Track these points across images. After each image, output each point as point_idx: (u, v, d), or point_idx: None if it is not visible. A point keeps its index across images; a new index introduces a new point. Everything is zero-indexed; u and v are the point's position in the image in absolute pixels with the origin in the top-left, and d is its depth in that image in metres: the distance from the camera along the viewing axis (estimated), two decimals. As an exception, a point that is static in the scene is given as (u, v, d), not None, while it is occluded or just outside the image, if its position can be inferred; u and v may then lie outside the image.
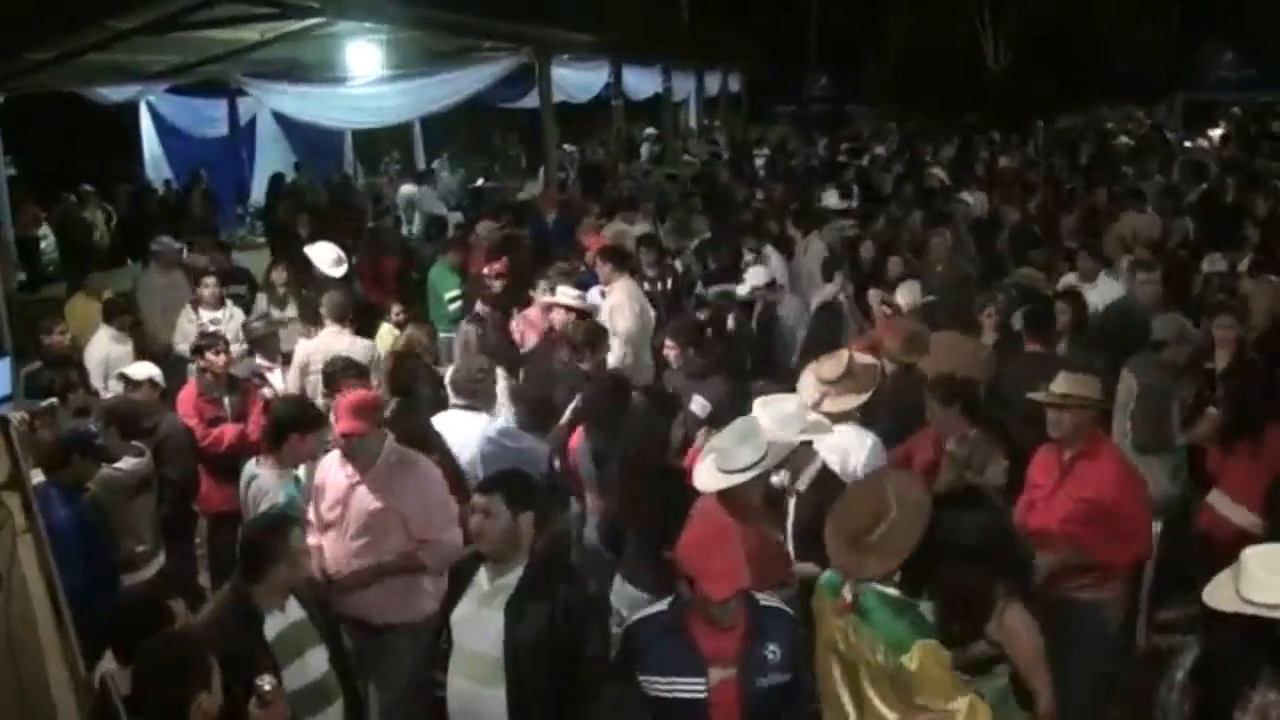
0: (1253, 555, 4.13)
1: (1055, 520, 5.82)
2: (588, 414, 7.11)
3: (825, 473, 5.84)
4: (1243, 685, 4.04)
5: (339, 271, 10.91)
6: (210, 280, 10.47)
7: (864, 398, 6.62)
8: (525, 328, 9.61)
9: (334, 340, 8.73)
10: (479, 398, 7.20)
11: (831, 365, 6.75)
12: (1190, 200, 13.92)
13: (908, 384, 7.22)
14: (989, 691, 4.43)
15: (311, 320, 9.54)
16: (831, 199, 15.65)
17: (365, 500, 5.85)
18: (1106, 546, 5.74)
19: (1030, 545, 5.52)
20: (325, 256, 11.05)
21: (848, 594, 4.53)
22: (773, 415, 5.79)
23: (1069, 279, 9.91)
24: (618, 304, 9.55)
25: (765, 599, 4.47)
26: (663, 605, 4.46)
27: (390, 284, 12.39)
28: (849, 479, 5.92)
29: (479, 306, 9.69)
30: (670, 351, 8.24)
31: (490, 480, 5.01)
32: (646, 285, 10.72)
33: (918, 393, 6.72)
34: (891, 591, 4.47)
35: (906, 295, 9.35)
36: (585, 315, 9.08)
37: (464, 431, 7.00)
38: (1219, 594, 4.10)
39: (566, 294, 9.25)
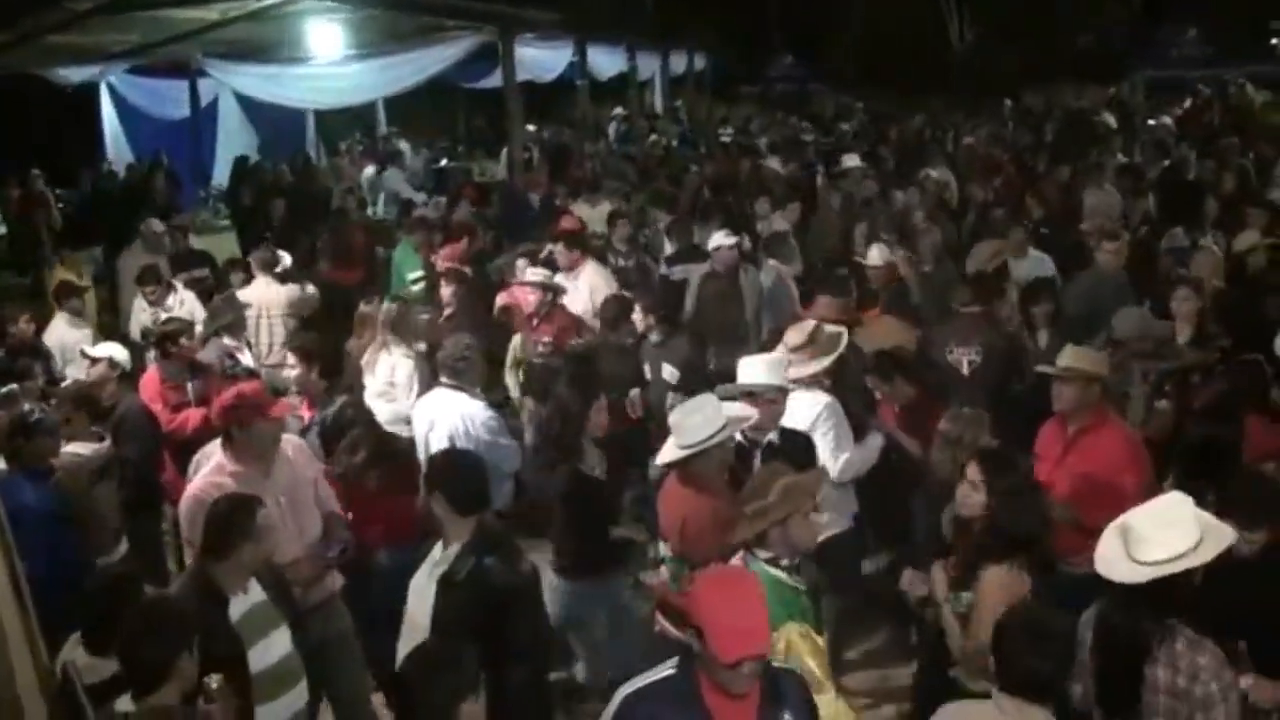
0: (1137, 516, 4.24)
1: (1057, 494, 5.86)
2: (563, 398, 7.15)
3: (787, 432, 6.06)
4: (1150, 641, 4.11)
5: (280, 267, 10.78)
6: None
7: (826, 363, 6.74)
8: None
9: (265, 290, 9.98)
10: (464, 377, 7.21)
11: (795, 333, 6.90)
12: (1151, 178, 13.99)
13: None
14: None
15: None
16: (852, 160, 15.73)
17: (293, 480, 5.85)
18: (1100, 516, 5.78)
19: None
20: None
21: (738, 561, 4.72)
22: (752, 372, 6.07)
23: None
24: (596, 286, 9.53)
25: (776, 660, 4.01)
26: (664, 670, 3.82)
27: (357, 264, 12.36)
28: None
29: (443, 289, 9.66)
30: (642, 322, 8.34)
31: (435, 476, 5.11)
32: (621, 261, 10.74)
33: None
34: (779, 573, 4.55)
35: (877, 255, 9.63)
36: (555, 292, 9.09)
37: (453, 411, 7.05)
38: (1117, 567, 4.16)
39: (533, 273, 9.23)
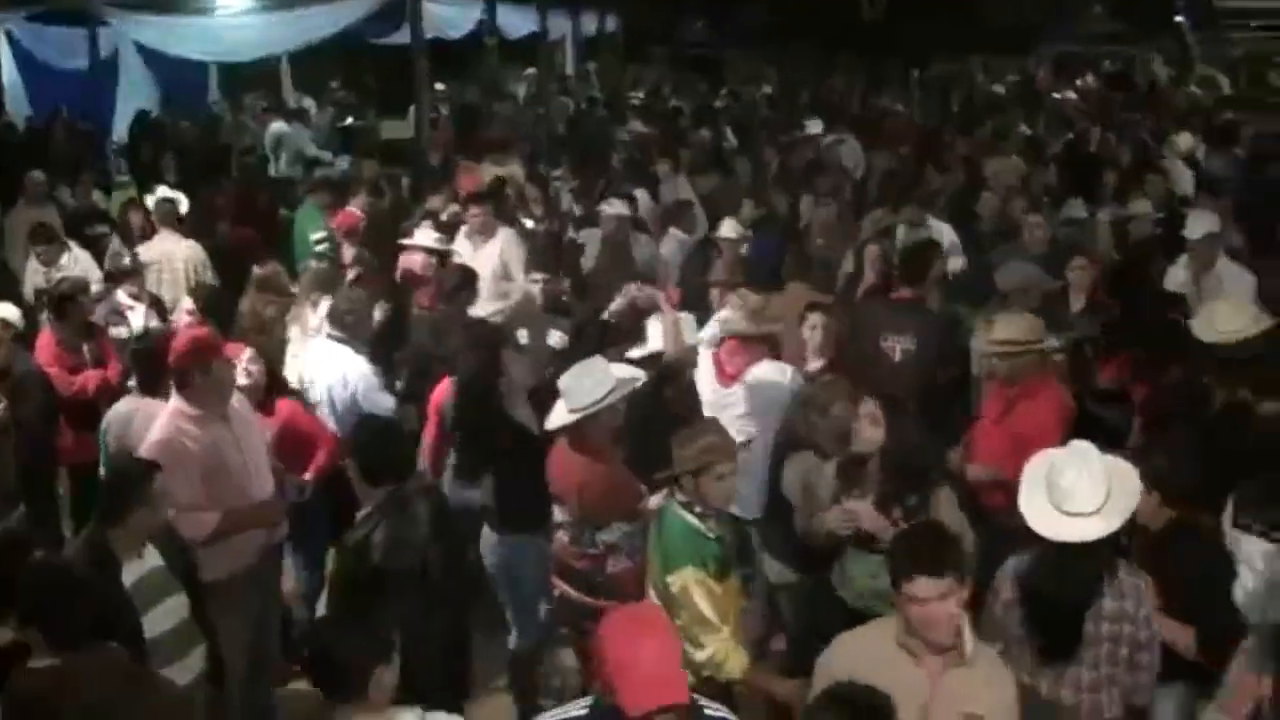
0: (1061, 470, 4.36)
1: (995, 454, 6.07)
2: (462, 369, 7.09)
3: None
4: (1090, 594, 4.26)
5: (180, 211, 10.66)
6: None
7: (778, 326, 7.01)
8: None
9: (168, 244, 10.02)
10: (350, 331, 7.18)
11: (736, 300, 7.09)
12: (1054, 150, 14.23)
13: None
14: None
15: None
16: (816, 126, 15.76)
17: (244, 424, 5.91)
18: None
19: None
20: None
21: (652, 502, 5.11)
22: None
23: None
24: (515, 253, 9.44)
25: (710, 708, 3.71)
26: (574, 711, 3.58)
27: (259, 222, 12.17)
28: None
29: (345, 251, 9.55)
30: (533, 283, 8.32)
31: (349, 444, 5.25)
32: (531, 224, 10.69)
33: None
34: (690, 518, 4.79)
35: (730, 230, 9.65)
36: (447, 258, 9.02)
37: (333, 364, 7.05)
38: (1055, 525, 4.32)
39: (423, 236, 9.15)
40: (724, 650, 4.72)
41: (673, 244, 10.50)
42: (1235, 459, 5.47)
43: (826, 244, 9.98)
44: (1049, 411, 6.22)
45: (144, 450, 5.47)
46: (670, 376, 6.59)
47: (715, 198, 12.07)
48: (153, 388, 6.33)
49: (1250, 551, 5.12)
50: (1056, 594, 4.39)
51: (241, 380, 6.36)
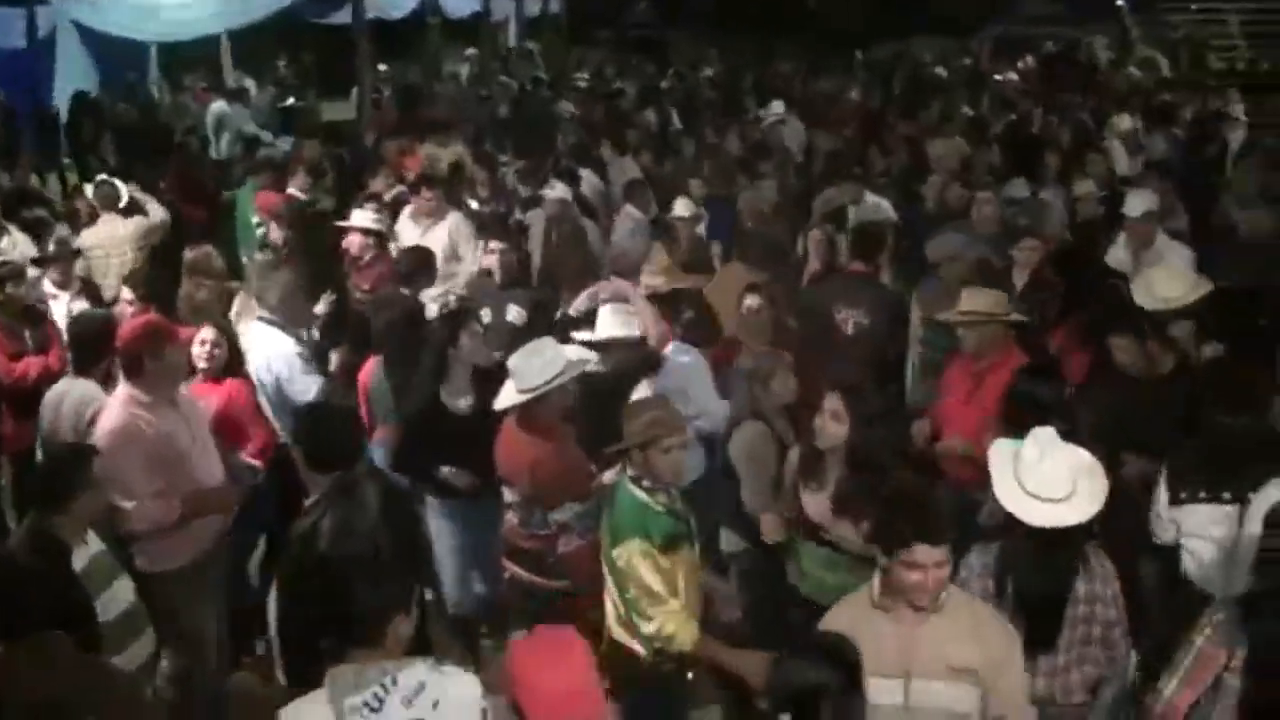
0: (1030, 458, 4.40)
1: (967, 427, 6.12)
2: (383, 343, 7.05)
3: None
4: (1069, 582, 4.31)
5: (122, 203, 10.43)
6: None
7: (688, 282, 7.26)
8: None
9: (111, 228, 9.87)
10: (279, 312, 7.13)
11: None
12: (996, 131, 14.33)
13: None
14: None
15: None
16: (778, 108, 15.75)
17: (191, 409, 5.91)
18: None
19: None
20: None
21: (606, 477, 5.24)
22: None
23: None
24: (465, 234, 9.36)
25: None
26: None
27: (201, 204, 12.03)
28: None
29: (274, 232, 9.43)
30: (490, 258, 8.34)
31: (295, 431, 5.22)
32: (476, 205, 10.62)
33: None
34: (639, 492, 4.84)
35: (684, 208, 9.71)
36: (381, 239, 8.97)
37: (261, 344, 7.00)
38: (1034, 511, 4.35)
39: (360, 218, 9.07)
40: (672, 623, 4.74)
41: (628, 223, 10.48)
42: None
43: (756, 225, 10.01)
44: None
45: (100, 439, 5.40)
46: (656, 365, 6.63)
47: (664, 179, 12.04)
48: (87, 369, 6.24)
49: (1199, 522, 5.21)
50: (1039, 585, 4.43)
51: (201, 363, 6.40)
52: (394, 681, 3.36)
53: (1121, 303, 6.95)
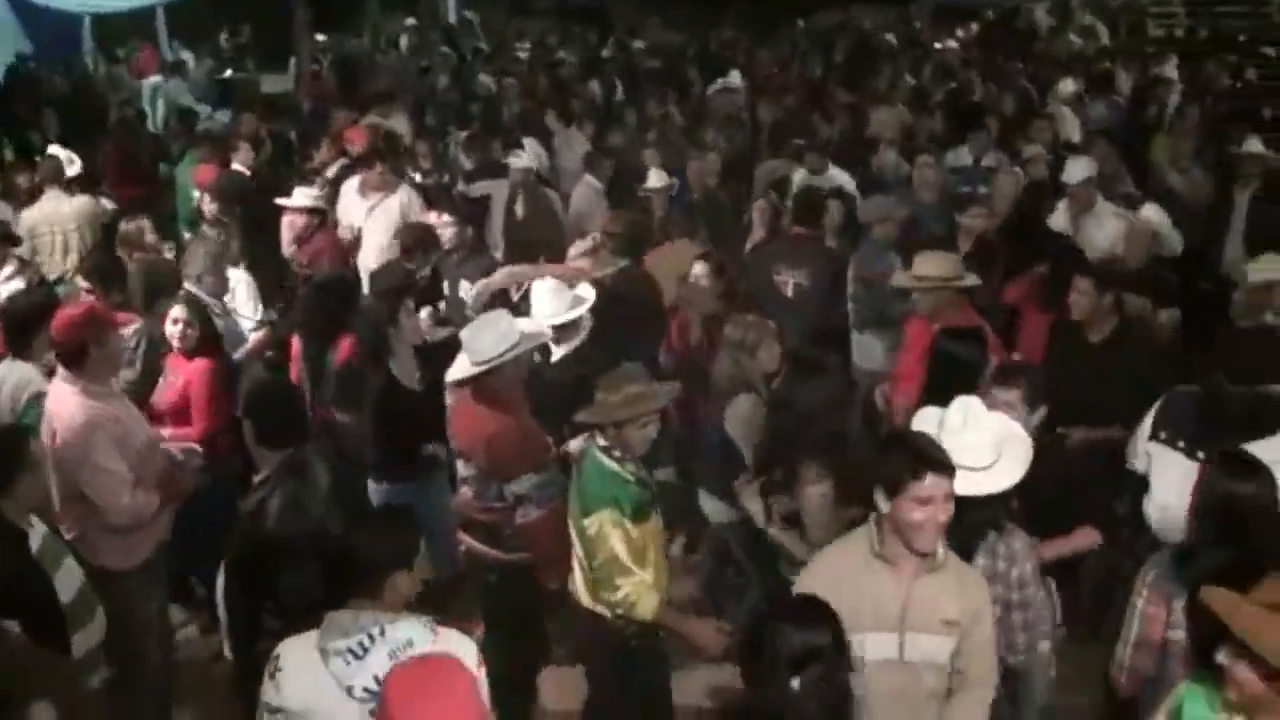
0: (952, 425, 4.40)
1: (921, 391, 6.09)
2: (306, 320, 6.99)
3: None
4: (969, 549, 4.33)
5: (72, 171, 10.22)
6: None
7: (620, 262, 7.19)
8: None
9: (57, 204, 9.45)
10: (206, 287, 7.15)
11: (582, 242, 7.43)
12: (938, 99, 14.39)
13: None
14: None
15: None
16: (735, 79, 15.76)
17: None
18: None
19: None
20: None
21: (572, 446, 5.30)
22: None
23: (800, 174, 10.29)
24: (417, 208, 9.19)
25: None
26: None
27: (140, 180, 11.84)
28: None
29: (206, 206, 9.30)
30: (445, 230, 8.22)
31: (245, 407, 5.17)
32: (419, 178, 10.52)
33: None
34: (610, 462, 4.88)
35: (657, 179, 9.73)
36: (321, 215, 8.90)
37: None
38: (959, 481, 4.20)
39: (301, 195, 8.97)
40: (636, 592, 4.82)
41: (587, 193, 10.46)
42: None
43: (704, 196, 10.06)
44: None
45: (72, 437, 5.24)
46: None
47: (611, 151, 12.01)
48: (22, 349, 6.11)
49: (1168, 466, 5.29)
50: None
51: (175, 342, 6.45)
52: (382, 632, 3.45)
53: (1081, 256, 7.33)
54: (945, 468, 3.92)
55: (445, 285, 8.21)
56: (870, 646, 3.98)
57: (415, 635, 3.48)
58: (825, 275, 8.02)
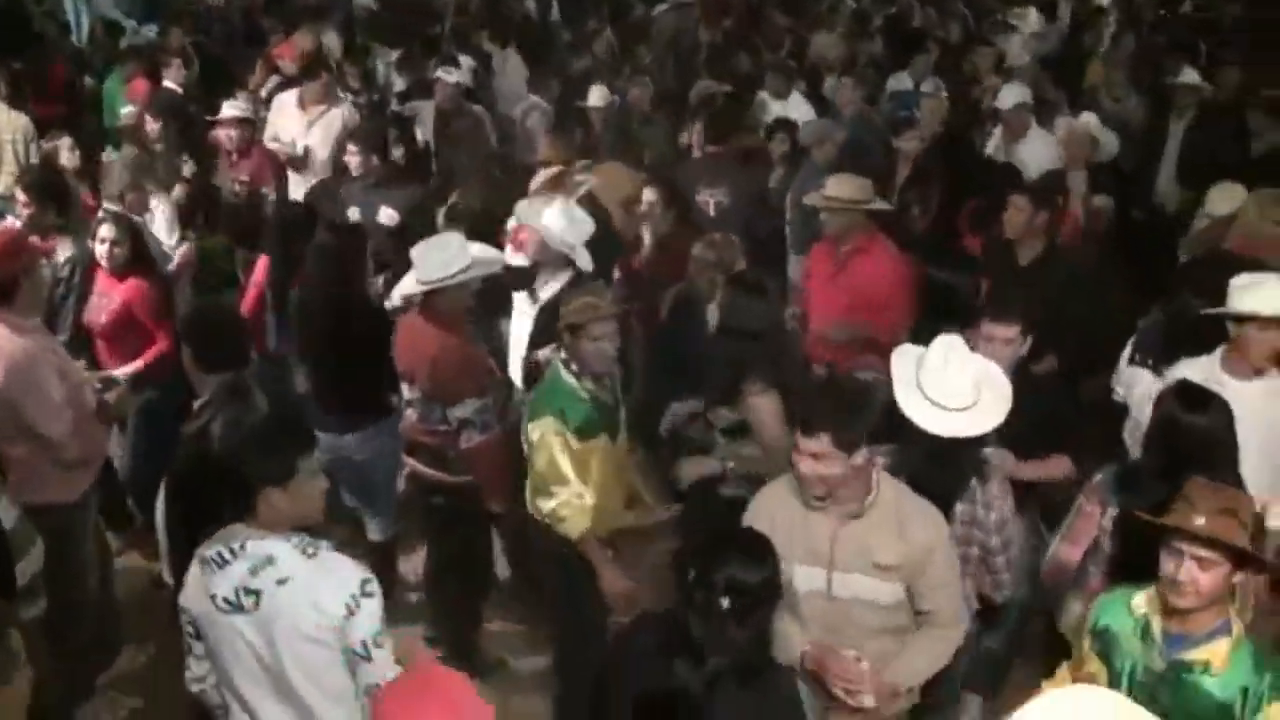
0: (932, 364, 4.33)
1: (835, 310, 6.35)
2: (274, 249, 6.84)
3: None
4: (952, 492, 4.38)
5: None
6: None
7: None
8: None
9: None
10: (129, 205, 7.16)
11: (540, 176, 7.35)
12: (877, 24, 14.33)
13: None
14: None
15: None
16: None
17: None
18: (881, 329, 6.14)
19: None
20: None
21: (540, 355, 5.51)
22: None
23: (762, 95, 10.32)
24: (354, 124, 9.04)
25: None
26: None
27: (60, 96, 11.51)
28: None
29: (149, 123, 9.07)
30: (351, 158, 8.00)
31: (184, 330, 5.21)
32: (350, 97, 10.32)
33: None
34: (568, 376, 4.94)
35: (598, 98, 9.80)
36: (253, 127, 8.82)
37: None
38: (930, 418, 4.28)
39: (230, 108, 8.80)
40: (568, 507, 4.87)
41: (536, 114, 10.34)
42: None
43: (643, 118, 10.05)
44: (881, 264, 6.51)
45: (11, 380, 5.00)
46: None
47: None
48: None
49: (1139, 385, 5.38)
50: (926, 489, 4.28)
51: (103, 262, 6.35)
52: (242, 547, 3.51)
53: (1018, 175, 7.54)
54: (812, 427, 3.89)
55: (355, 212, 7.90)
56: (799, 578, 4.03)
57: (279, 553, 3.50)
58: (743, 192, 8.08)
